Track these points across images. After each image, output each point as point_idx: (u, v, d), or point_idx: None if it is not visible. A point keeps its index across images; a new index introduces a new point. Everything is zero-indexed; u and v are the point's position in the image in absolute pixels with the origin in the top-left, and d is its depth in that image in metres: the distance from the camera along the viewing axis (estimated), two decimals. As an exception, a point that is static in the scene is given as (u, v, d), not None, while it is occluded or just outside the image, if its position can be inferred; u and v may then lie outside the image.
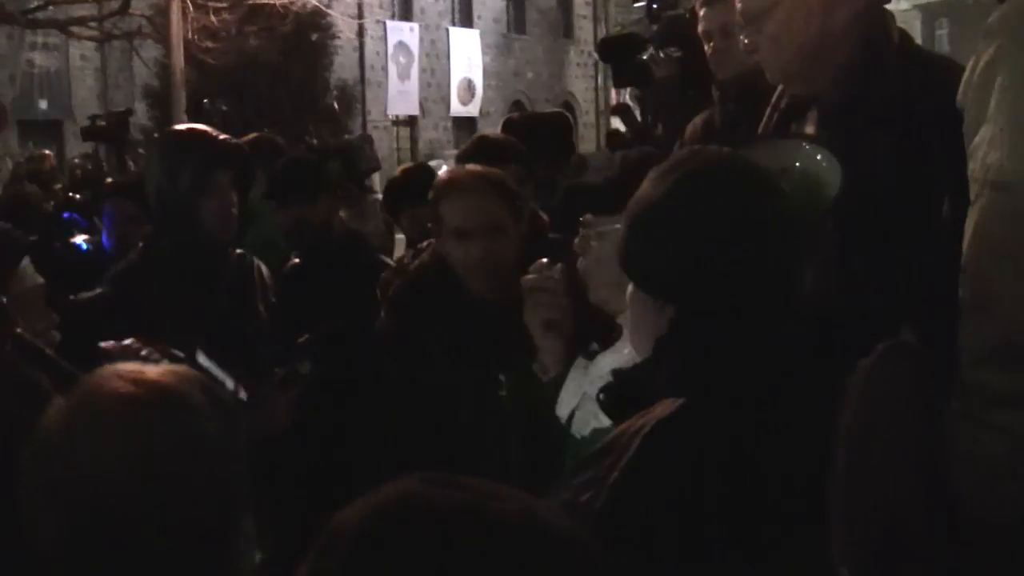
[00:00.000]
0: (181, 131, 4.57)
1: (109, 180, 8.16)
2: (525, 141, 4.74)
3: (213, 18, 24.56)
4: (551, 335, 3.07)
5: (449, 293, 3.77)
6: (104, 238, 6.15)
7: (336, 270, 5.00)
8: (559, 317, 3.06)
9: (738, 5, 3.20)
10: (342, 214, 5.61)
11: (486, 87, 42.63)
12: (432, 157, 32.29)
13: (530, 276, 3.13)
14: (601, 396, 2.27)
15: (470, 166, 3.94)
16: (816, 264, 2.25)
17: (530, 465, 3.06)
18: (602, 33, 46.30)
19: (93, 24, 26.05)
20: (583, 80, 47.35)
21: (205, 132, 4.25)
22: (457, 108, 41.99)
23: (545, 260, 3.15)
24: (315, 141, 15.74)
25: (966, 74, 2.34)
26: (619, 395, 2.22)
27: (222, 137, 4.20)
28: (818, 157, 2.60)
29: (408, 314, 3.91)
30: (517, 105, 44.61)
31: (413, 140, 40.35)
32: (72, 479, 1.75)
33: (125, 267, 4.21)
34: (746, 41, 3.24)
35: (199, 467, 1.78)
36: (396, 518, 1.28)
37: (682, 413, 2.01)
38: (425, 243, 4.78)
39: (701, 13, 4.59)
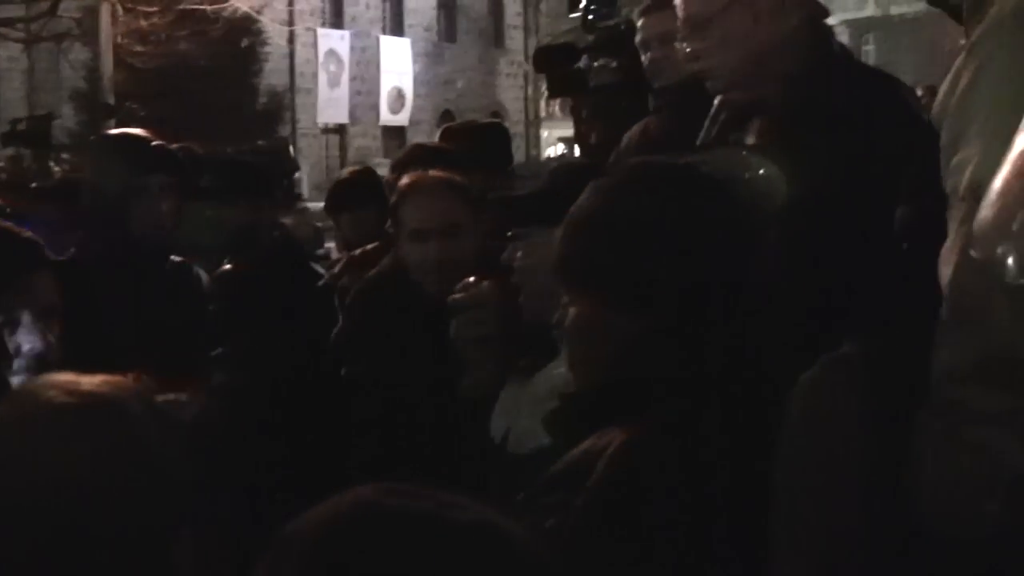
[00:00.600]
0: (113, 135, 4.53)
1: (33, 185, 8.07)
2: (463, 150, 4.74)
3: (143, 22, 24.40)
4: (482, 352, 3.07)
5: (407, 297, 3.79)
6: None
7: (271, 276, 4.97)
8: (489, 333, 3.06)
9: (681, 12, 3.22)
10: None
11: (416, 96, 42.55)
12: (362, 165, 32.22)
13: (457, 295, 3.16)
14: (550, 418, 2.25)
15: (431, 171, 3.98)
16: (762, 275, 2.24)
17: (484, 468, 3.05)
18: (533, 43, 46.36)
19: (20, 26, 25.80)
20: (513, 90, 47.40)
21: (137, 136, 4.23)
22: (387, 117, 41.86)
23: (472, 279, 3.19)
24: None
25: (944, 87, 2.35)
26: (570, 416, 2.20)
27: (155, 142, 4.18)
28: (760, 168, 2.62)
29: (366, 319, 3.93)
30: (447, 114, 44.57)
31: (343, 148, 40.20)
32: (5, 491, 1.72)
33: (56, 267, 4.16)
34: (688, 49, 3.26)
35: (136, 476, 1.74)
36: (352, 526, 1.27)
37: (645, 435, 1.99)
38: (369, 247, 4.79)
39: (640, 22, 4.61)
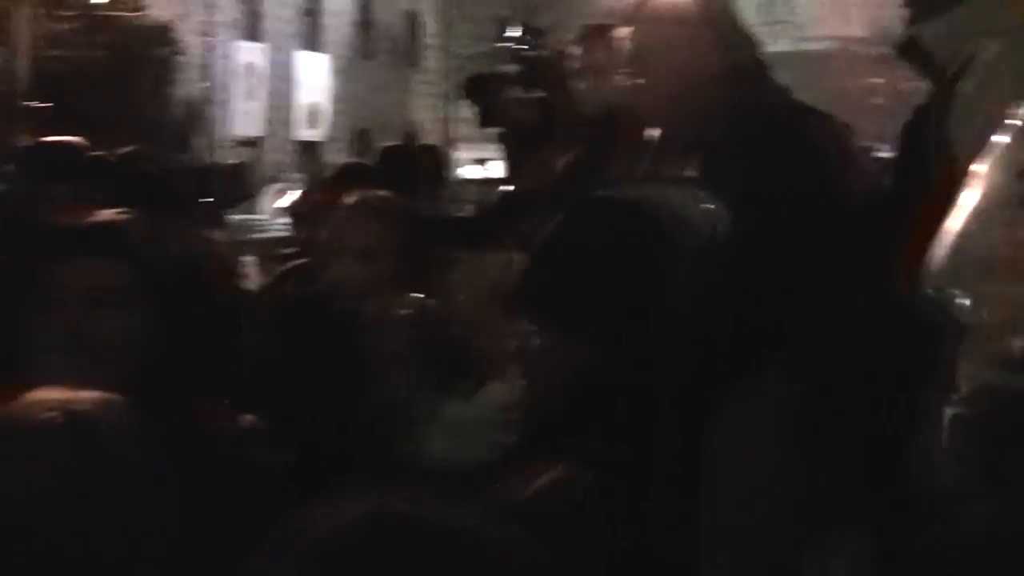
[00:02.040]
0: (47, 142, 4.54)
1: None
2: (399, 170, 4.80)
3: (60, 25, 24.14)
4: (400, 367, 3.12)
5: (339, 315, 3.78)
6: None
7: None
8: (405, 351, 3.12)
9: (624, 44, 3.29)
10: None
11: (334, 112, 42.38)
12: (276, 180, 32.01)
13: (381, 311, 3.19)
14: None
15: (374, 191, 4.06)
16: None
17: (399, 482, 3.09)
18: (450, 63, 46.37)
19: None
20: (428, 110, 47.36)
21: (72, 144, 4.23)
22: (302, 132, 41.68)
23: (394, 295, 3.25)
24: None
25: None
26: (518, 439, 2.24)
27: (88, 151, 4.19)
28: (693, 199, 2.69)
29: (296, 335, 3.95)
30: (362, 132, 44.44)
31: (257, 161, 39.96)
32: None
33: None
34: (627, 81, 3.32)
35: (111, 495, 1.72)
36: (366, 531, 1.31)
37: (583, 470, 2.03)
38: (299, 261, 4.83)
39: (576, 51, 4.69)
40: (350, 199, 4.01)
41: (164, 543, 1.78)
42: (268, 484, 2.60)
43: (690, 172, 3.15)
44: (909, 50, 2.69)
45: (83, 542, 1.68)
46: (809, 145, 3.09)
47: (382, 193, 3.98)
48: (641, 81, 3.25)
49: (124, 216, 2.72)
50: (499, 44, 6.60)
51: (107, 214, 2.72)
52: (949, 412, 2.14)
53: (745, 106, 3.13)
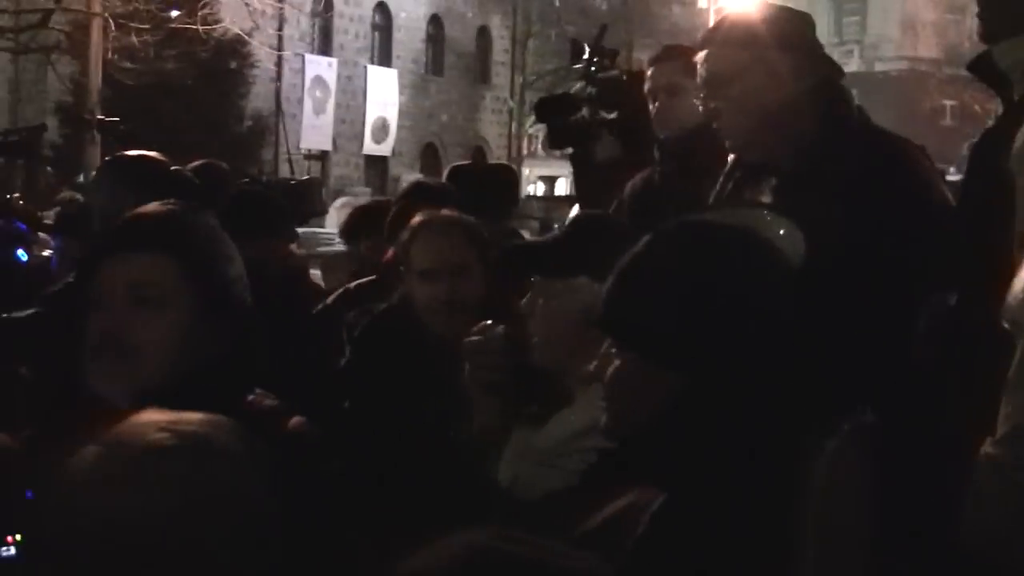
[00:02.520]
0: (128, 157, 4.58)
1: (13, 196, 8.02)
2: (470, 190, 4.81)
3: (133, 38, 24.40)
4: (491, 397, 3.08)
5: (414, 335, 3.78)
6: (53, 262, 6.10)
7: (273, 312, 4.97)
8: (499, 380, 3.07)
9: (702, 71, 3.28)
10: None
11: (400, 127, 42.60)
12: (342, 193, 32.20)
13: (472, 338, 3.14)
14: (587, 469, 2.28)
15: (443, 210, 3.99)
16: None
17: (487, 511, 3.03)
18: (519, 80, 46.48)
19: (9, 36, 25.77)
20: (497, 126, 47.51)
21: (151, 159, 4.28)
22: (370, 146, 41.92)
23: (488, 322, 3.17)
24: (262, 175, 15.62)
25: (1018, 142, 2.38)
26: (607, 468, 2.23)
27: (169, 165, 4.24)
28: (779, 227, 2.65)
29: (371, 354, 3.95)
30: (430, 147, 44.65)
31: (324, 175, 40.23)
32: (100, 532, 1.64)
33: (63, 287, 4.20)
34: (707, 107, 3.31)
35: (232, 519, 1.68)
36: (468, 569, 1.32)
37: (686, 495, 2.02)
38: (365, 280, 4.83)
39: (648, 72, 4.68)
40: (418, 218, 3.94)
41: (275, 560, 1.74)
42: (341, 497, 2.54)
43: (768, 197, 3.15)
44: (983, 68, 2.67)
45: (202, 562, 1.65)
46: (909, 174, 3.07)
47: (449, 212, 3.92)
48: (717, 105, 3.23)
49: (169, 207, 2.57)
50: (572, 65, 6.53)
51: (153, 206, 2.58)
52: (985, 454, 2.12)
53: (829, 131, 3.11)
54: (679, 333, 2.03)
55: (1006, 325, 2.11)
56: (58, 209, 7.58)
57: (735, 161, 3.33)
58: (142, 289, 2.42)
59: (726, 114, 3.22)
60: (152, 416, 1.74)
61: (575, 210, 6.08)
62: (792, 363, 2.05)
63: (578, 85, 6.16)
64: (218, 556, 1.66)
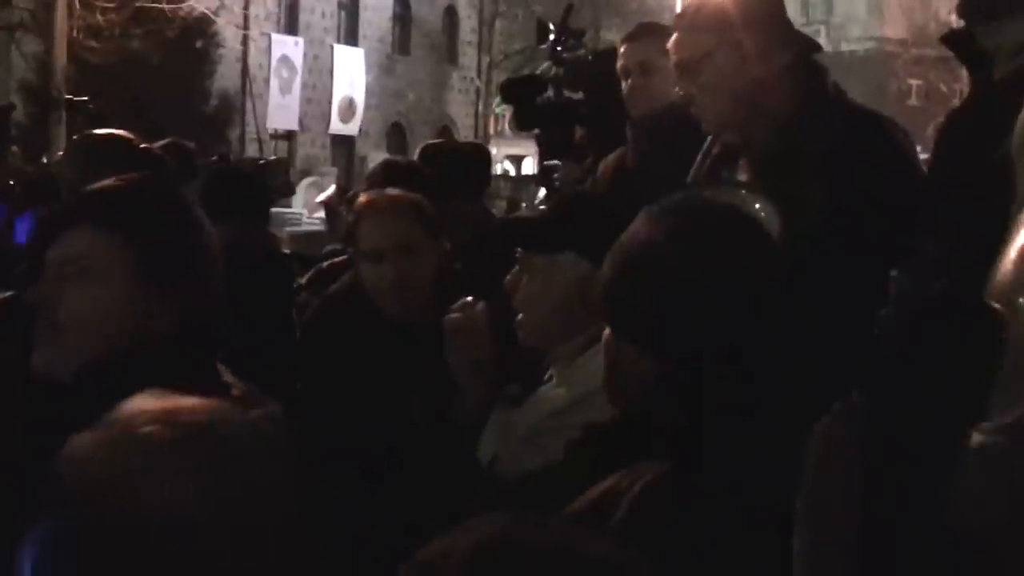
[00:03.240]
0: (97, 136, 4.54)
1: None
2: (442, 169, 4.78)
3: (99, 17, 24.25)
4: (476, 375, 3.01)
5: (364, 316, 3.76)
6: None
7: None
8: (483, 357, 3.01)
9: (672, 57, 3.27)
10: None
11: (367, 106, 42.47)
12: (308, 173, 32.12)
13: (453, 315, 3.08)
14: (571, 446, 2.25)
15: (388, 189, 3.96)
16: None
17: (437, 490, 2.98)
18: (485, 61, 46.46)
19: (-27, 15, 25.59)
20: (464, 106, 47.45)
21: (121, 137, 4.24)
22: (337, 126, 41.79)
23: (469, 298, 3.11)
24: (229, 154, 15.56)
25: (1019, 126, 2.38)
26: (592, 450, 2.21)
27: (140, 144, 4.20)
28: (756, 205, 2.64)
29: (323, 336, 3.93)
30: (396, 126, 44.57)
31: (291, 154, 40.07)
32: (135, 526, 1.56)
33: (27, 268, 4.15)
34: (680, 91, 3.30)
35: (247, 508, 1.60)
36: (496, 559, 1.29)
37: (675, 475, 1.99)
38: (338, 259, 4.80)
39: (621, 49, 4.64)
40: (362, 197, 3.94)
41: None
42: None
43: (746, 176, 3.15)
44: (959, 44, 2.65)
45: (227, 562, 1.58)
46: (894, 151, 3.07)
47: (391, 192, 3.87)
48: (690, 90, 3.22)
49: (119, 182, 2.49)
50: (539, 45, 6.52)
51: (105, 182, 2.49)
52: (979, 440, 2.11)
53: (805, 108, 3.10)
54: (680, 320, 2.01)
55: (995, 305, 2.10)
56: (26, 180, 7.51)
57: (712, 140, 3.32)
58: (67, 263, 2.36)
59: (699, 98, 3.20)
60: (144, 405, 1.66)
61: (542, 191, 6.08)
62: (782, 343, 2.03)
63: (544, 65, 6.15)
64: (249, 540, 1.59)
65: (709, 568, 1.90)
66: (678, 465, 2.01)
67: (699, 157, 3.35)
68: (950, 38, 2.73)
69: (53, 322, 2.34)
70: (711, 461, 1.99)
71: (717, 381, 2.01)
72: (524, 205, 13.90)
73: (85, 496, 1.60)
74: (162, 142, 5.46)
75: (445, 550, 1.32)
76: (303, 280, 5.25)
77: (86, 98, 21.55)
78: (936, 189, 2.74)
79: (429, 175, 4.66)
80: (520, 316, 2.89)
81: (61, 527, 1.62)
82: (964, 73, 2.80)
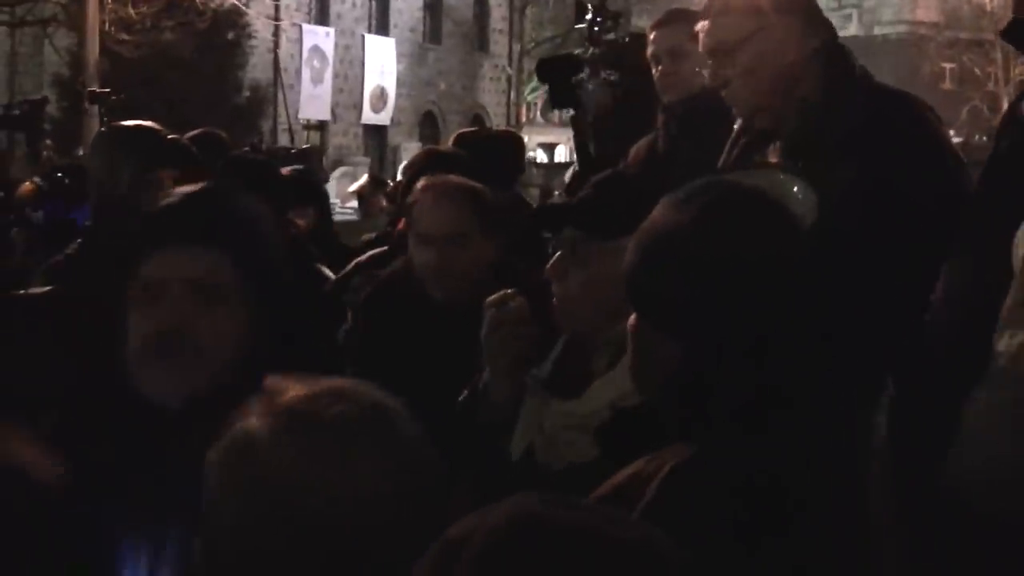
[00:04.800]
0: (124, 126, 4.53)
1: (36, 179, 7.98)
2: (476, 157, 4.75)
3: (131, 10, 24.31)
4: (514, 370, 2.90)
5: (417, 299, 3.77)
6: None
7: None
8: (526, 349, 2.91)
9: (706, 41, 3.24)
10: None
11: (398, 96, 42.46)
12: (341, 163, 32.14)
13: (494, 309, 2.96)
14: (600, 431, 2.22)
15: (451, 176, 3.94)
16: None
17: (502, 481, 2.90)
18: (516, 48, 46.44)
19: (6, 9, 25.67)
20: (495, 94, 47.42)
21: (148, 128, 4.23)
22: (368, 115, 41.80)
23: (510, 291, 2.99)
24: (261, 144, 15.55)
25: None
26: (619, 434, 2.19)
27: (167, 135, 4.19)
28: (793, 187, 2.58)
29: (376, 320, 3.92)
30: (428, 115, 44.58)
31: (323, 145, 40.13)
32: (314, 509, 1.62)
33: (63, 261, 4.14)
34: (714, 76, 3.26)
35: (421, 479, 1.70)
36: (518, 538, 1.29)
37: (699, 460, 1.98)
38: (377, 251, 4.78)
39: (651, 36, 4.63)
40: (423, 181, 3.92)
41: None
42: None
43: (776, 159, 3.14)
44: (1019, 33, 2.62)
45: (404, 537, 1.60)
46: (922, 130, 3.06)
47: (452, 179, 3.86)
48: (725, 74, 3.19)
49: (209, 192, 2.50)
50: (574, 27, 6.47)
51: (192, 191, 2.49)
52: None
53: (834, 91, 3.09)
54: (704, 305, 1.98)
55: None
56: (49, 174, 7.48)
57: (741, 126, 3.30)
58: (203, 285, 2.34)
59: (734, 83, 3.18)
60: (314, 386, 1.72)
61: (569, 173, 6.02)
62: (807, 327, 2.01)
63: (579, 49, 6.12)
64: (405, 526, 1.64)
65: (733, 552, 1.88)
66: (702, 450, 2.00)
67: (729, 143, 3.33)
68: (1009, 31, 2.70)
69: (185, 345, 2.30)
70: (734, 446, 1.97)
71: (740, 366, 1.98)
72: (556, 193, 13.85)
73: (273, 479, 1.64)
74: (194, 132, 5.44)
75: (473, 527, 1.32)
76: (341, 273, 5.19)
77: (109, 90, 21.58)
78: (992, 184, 2.68)
79: (469, 163, 4.63)
80: (566, 302, 2.79)
81: (245, 513, 1.65)
82: (998, 56, 2.77)
